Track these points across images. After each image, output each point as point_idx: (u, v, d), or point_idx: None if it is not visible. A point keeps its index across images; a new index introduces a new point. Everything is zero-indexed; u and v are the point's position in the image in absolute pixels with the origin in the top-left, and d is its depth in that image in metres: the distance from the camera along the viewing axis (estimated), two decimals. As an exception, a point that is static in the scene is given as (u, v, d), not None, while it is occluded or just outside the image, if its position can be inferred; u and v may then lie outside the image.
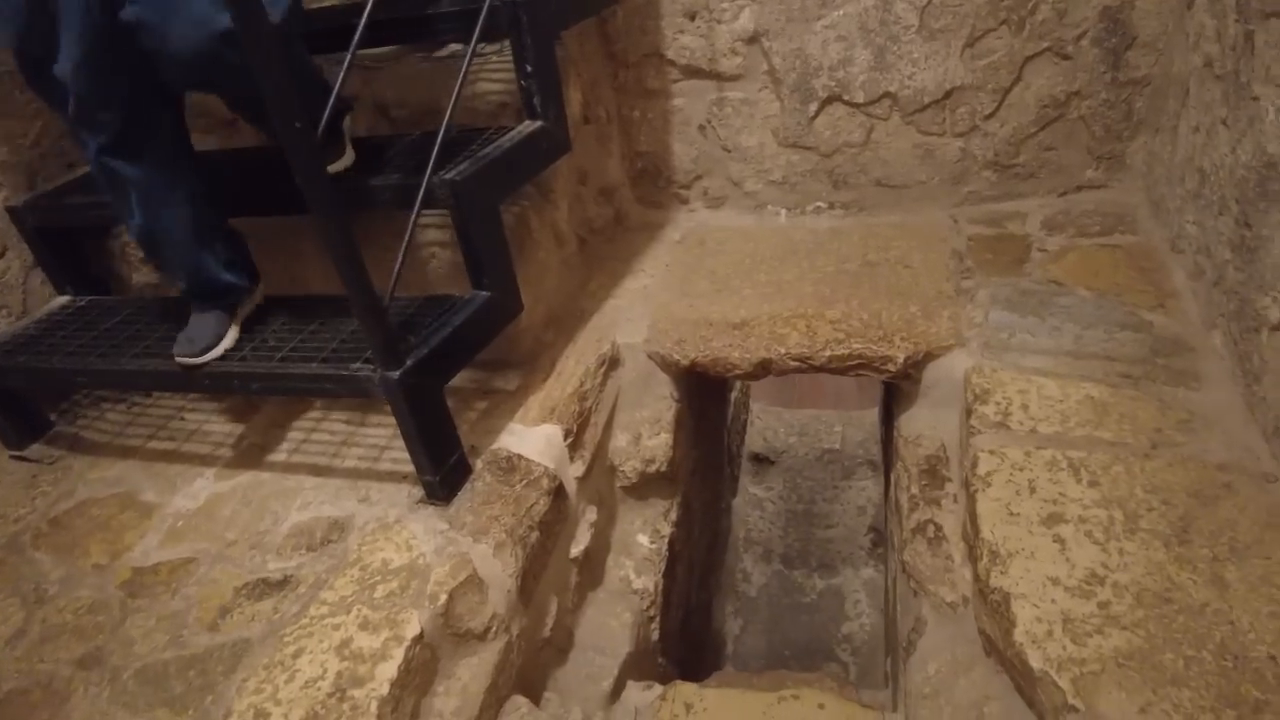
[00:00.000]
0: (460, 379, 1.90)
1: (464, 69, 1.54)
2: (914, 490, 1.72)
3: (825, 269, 2.11)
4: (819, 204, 2.33)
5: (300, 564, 1.54)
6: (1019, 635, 1.20)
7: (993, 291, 1.91)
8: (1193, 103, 1.78)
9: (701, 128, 2.31)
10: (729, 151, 2.33)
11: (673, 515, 2.02)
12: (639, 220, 2.49)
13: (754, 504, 3.05)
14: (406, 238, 1.46)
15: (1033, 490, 1.41)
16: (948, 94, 2.08)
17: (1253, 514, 1.31)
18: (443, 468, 1.56)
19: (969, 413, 1.62)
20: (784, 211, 2.37)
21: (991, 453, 1.50)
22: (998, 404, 1.61)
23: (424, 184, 1.48)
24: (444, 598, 1.40)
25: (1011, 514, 1.38)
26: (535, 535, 1.57)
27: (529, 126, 1.72)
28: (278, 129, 1.17)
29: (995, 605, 1.28)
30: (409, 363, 1.44)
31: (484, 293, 1.65)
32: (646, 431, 1.95)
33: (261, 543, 1.60)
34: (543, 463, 1.68)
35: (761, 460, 3.22)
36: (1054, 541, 1.32)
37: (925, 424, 1.84)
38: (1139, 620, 1.18)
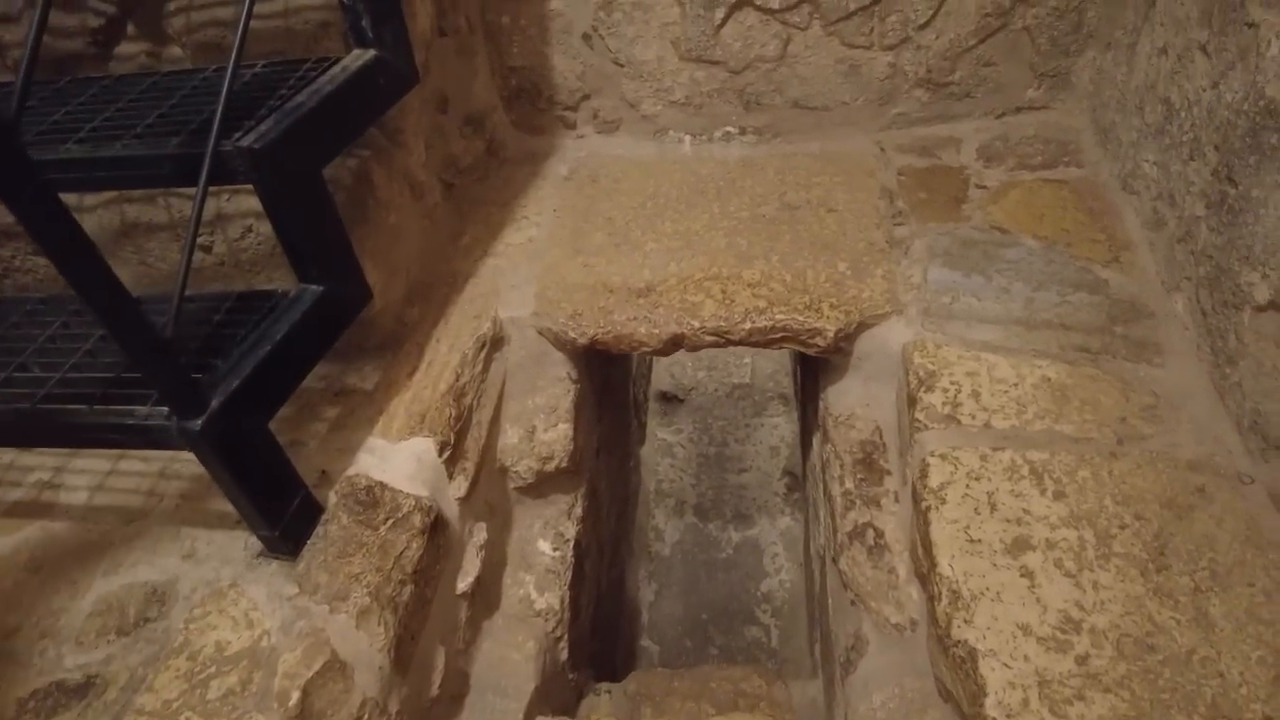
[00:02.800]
0: (312, 380, 1.54)
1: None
2: (849, 485, 1.52)
3: (739, 214, 1.81)
4: (728, 129, 2.00)
5: (109, 655, 1.21)
6: (991, 708, 1.02)
7: (930, 242, 1.66)
8: (1160, 18, 1.53)
9: (586, 37, 1.90)
10: (621, 66, 1.93)
11: (578, 511, 1.76)
12: (518, 150, 2.09)
13: (664, 450, 2.84)
14: (190, 234, 1.06)
15: (993, 507, 1.22)
16: (877, -1, 1.75)
17: (1231, 527, 1.17)
18: (281, 520, 1.23)
19: (913, 401, 1.40)
20: (688, 138, 2.02)
21: (943, 458, 1.29)
22: (945, 391, 1.39)
23: (208, 154, 1.06)
24: (296, 694, 1.11)
25: (972, 541, 1.18)
26: (409, 590, 1.28)
27: (358, 59, 1.30)
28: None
29: (959, 661, 1.09)
30: (215, 404, 1.08)
31: (314, 287, 1.27)
32: (541, 423, 1.66)
33: (56, 628, 1.25)
34: (413, 492, 1.37)
35: (670, 399, 2.99)
36: (1022, 576, 1.14)
37: (857, 400, 1.62)
38: (1122, 678, 1.02)
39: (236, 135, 1.13)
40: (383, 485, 1.36)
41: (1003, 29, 1.78)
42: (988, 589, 1.13)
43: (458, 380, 1.53)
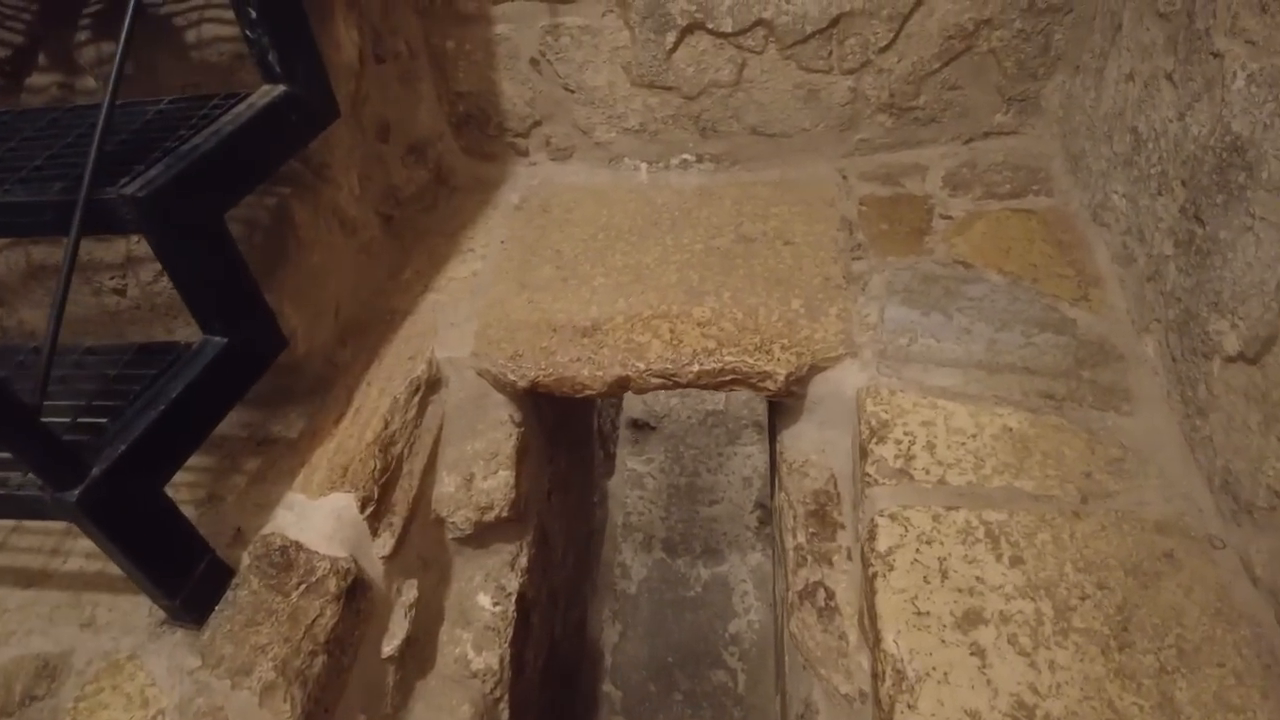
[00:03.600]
0: (224, 425, 1.45)
1: (130, 7, 1.02)
2: (800, 538, 1.43)
3: (693, 247, 1.72)
4: (685, 156, 1.92)
5: (-13, 739, 1.12)
6: (933, 808, 0.93)
7: (889, 277, 1.58)
8: (1126, 42, 1.45)
9: (534, 62, 1.82)
10: (572, 92, 1.85)
11: (522, 561, 1.67)
12: (468, 176, 2.01)
13: (633, 481, 2.75)
14: (60, 291, 0.97)
15: (944, 575, 1.13)
16: (834, 21, 1.66)
17: (1200, 598, 1.07)
18: (182, 588, 1.15)
19: (864, 453, 1.31)
20: (644, 166, 1.94)
21: (893, 518, 1.20)
22: (898, 442, 1.30)
23: (79, 205, 0.98)
24: (184, 785, 1.02)
25: (919, 614, 1.09)
26: (321, 661, 1.19)
27: (265, 95, 1.21)
28: None
29: (902, 751, 1.00)
30: (96, 472, 0.99)
31: (217, 339, 1.18)
32: (481, 470, 1.57)
33: (-67, 707, 1.16)
34: (329, 553, 1.28)
35: (641, 427, 2.90)
36: (972, 654, 1.04)
37: (811, 445, 1.54)
38: (1077, 775, 0.93)
39: (124, 181, 1.05)
40: (298, 546, 1.27)
41: (967, 51, 1.70)
42: (934, 669, 1.04)
43: (386, 428, 1.44)
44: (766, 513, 2.55)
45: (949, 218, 1.70)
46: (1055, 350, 1.41)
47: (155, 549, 1.11)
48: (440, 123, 1.92)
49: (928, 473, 1.26)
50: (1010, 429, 1.30)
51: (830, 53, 1.71)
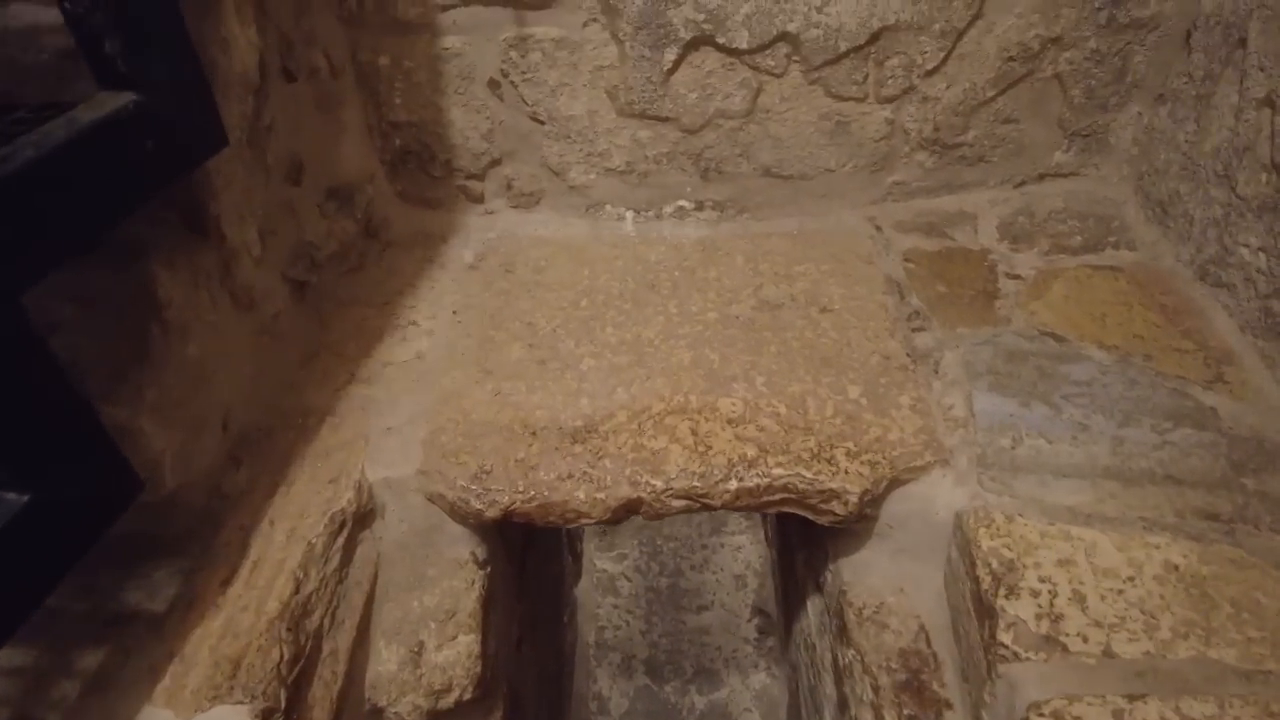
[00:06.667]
0: (63, 597, 0.98)
1: None
2: (890, 720, 1.04)
3: (704, 316, 1.35)
4: (682, 203, 1.55)
5: None
6: None
7: (966, 354, 1.23)
8: (1253, 60, 1.16)
9: (494, 84, 1.44)
10: (542, 123, 1.47)
11: (490, 749, 1.23)
12: (406, 229, 1.59)
13: (605, 586, 2.31)
14: None
15: (1158, 816, 0.76)
16: (874, 36, 1.34)
17: None
18: None
19: (986, 611, 0.94)
20: (630, 215, 1.57)
21: (1056, 719, 0.83)
22: (1034, 594, 0.94)
23: None
24: None
25: None
26: None
27: (99, 108, 0.78)
28: None
29: None
30: None
31: (12, 496, 0.73)
32: (433, 637, 1.13)
33: None
34: (207, 817, 0.82)
35: (608, 516, 2.48)
36: None
37: (885, 582, 1.16)
38: None
39: None
40: (154, 807, 0.81)
41: (1028, 76, 1.40)
42: None
43: (298, 592, 0.99)
44: (766, 620, 2.16)
45: (1018, 277, 1.38)
46: (1201, 450, 1.08)
47: None
48: (370, 161, 1.51)
49: (1085, 640, 0.90)
50: (1176, 566, 0.96)
51: (866, 76, 1.39)
